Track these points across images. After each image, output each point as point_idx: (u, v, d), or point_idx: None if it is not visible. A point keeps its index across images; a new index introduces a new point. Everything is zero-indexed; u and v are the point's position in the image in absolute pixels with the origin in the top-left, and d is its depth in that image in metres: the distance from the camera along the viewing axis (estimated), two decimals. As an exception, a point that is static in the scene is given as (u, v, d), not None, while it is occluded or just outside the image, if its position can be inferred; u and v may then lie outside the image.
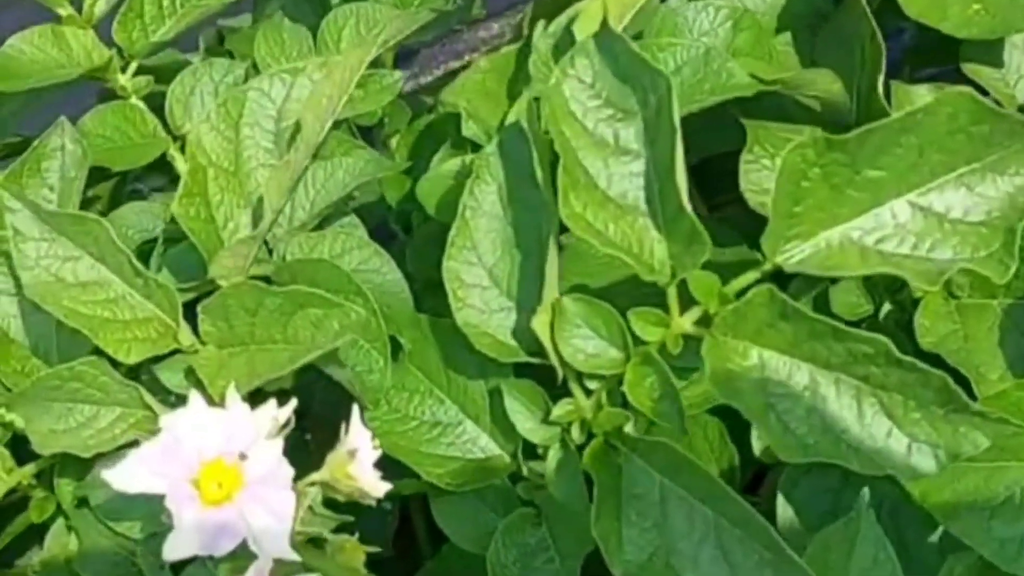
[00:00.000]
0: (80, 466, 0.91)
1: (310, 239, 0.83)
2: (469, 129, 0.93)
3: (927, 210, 0.73)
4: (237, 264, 0.77)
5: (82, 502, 0.88)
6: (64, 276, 0.77)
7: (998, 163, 0.72)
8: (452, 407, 0.84)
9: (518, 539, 0.82)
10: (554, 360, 0.77)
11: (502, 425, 0.83)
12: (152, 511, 0.80)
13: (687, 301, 0.75)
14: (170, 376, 0.79)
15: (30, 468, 0.92)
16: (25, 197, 0.77)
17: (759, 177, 0.90)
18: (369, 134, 1.06)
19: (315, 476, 0.69)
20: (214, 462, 0.65)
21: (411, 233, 1.03)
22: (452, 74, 1.31)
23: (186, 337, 0.77)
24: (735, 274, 0.75)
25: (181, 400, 0.78)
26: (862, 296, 0.90)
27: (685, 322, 0.75)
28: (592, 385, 0.79)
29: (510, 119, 0.90)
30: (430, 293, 0.90)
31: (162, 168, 1.06)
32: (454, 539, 0.86)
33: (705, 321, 0.75)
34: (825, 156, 0.71)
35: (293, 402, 0.69)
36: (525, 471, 0.83)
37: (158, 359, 0.79)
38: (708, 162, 0.96)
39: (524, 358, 0.79)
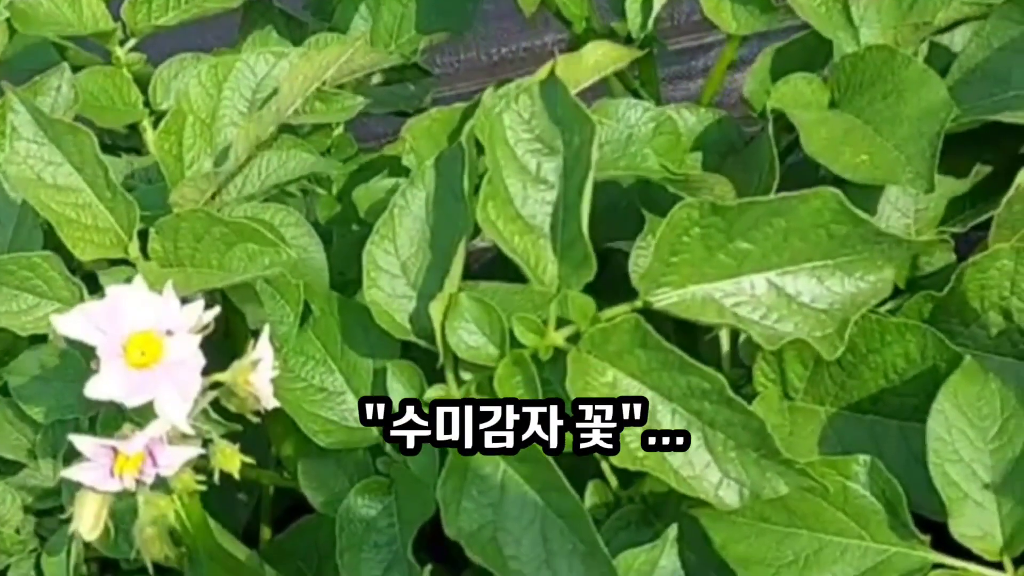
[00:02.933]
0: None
1: (254, 207, 0.95)
2: (408, 160, 1.05)
3: (780, 289, 0.86)
4: (194, 197, 0.88)
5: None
6: (45, 177, 0.89)
7: (848, 264, 0.85)
8: (340, 378, 0.95)
9: (368, 501, 0.93)
10: (439, 344, 0.88)
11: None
12: (59, 402, 0.91)
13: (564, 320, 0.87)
14: (110, 281, 0.89)
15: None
16: (30, 102, 0.88)
17: (646, 262, 1.03)
18: (315, 159, 1.18)
19: (219, 375, 0.80)
20: (143, 333, 0.76)
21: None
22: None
23: (134, 251, 0.89)
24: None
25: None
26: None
27: (559, 336, 0.87)
28: (465, 376, 0.90)
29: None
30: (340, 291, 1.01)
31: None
32: (312, 499, 0.97)
33: (575, 339, 0.87)
34: (707, 219, 0.84)
35: (217, 309, 0.80)
36: (387, 447, 0.94)
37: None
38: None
39: (412, 339, 0.91)
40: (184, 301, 0.80)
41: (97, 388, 0.74)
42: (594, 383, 0.86)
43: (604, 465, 0.94)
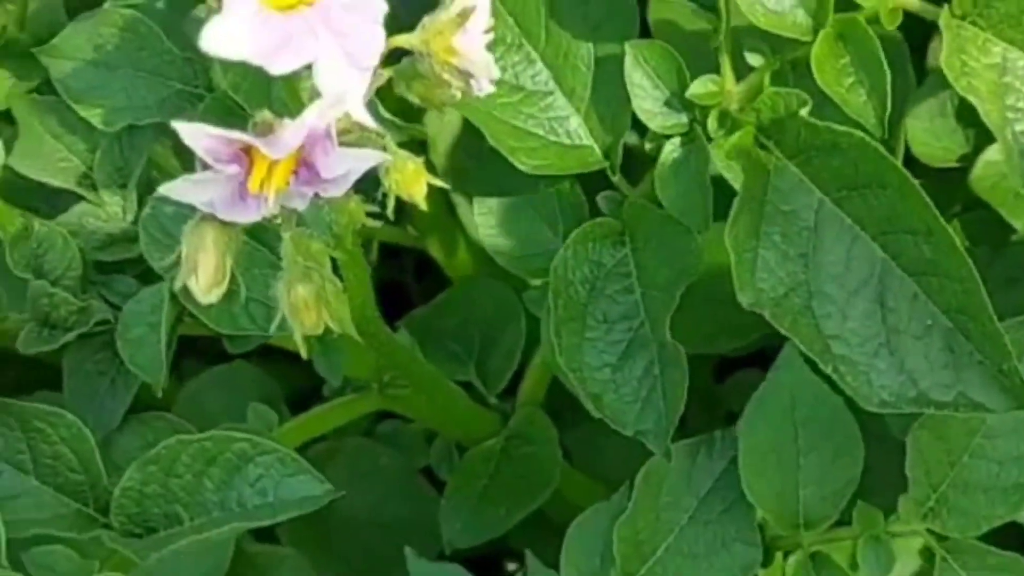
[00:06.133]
0: (20, 60, 0.71)
1: None
2: None
3: None
4: None
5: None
6: None
7: None
8: (543, 71, 0.64)
9: (592, 255, 0.63)
10: (721, 6, 0.58)
11: (604, 108, 0.64)
12: (130, 100, 0.61)
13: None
14: None
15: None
16: None
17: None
18: None
19: (405, 38, 0.49)
20: (289, -49, 0.45)
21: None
22: None
23: None
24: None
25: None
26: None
27: (916, -7, 0.56)
28: (753, 61, 0.59)
29: None
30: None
31: None
32: (498, 256, 0.68)
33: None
34: None
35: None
36: (615, 178, 0.64)
37: None
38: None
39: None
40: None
41: (220, 38, 0.43)
42: (974, 65, 0.54)
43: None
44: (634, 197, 0.63)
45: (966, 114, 0.67)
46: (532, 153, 0.63)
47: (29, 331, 0.64)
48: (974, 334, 0.55)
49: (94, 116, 0.63)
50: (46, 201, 0.69)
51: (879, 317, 0.56)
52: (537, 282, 0.68)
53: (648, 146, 0.62)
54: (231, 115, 0.60)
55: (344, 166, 0.46)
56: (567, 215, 0.66)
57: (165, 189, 0.46)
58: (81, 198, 0.67)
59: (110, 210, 0.66)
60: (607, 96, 0.63)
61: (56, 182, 0.66)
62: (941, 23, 0.55)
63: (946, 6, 0.56)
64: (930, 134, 0.69)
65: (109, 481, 0.60)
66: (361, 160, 0.47)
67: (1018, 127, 0.55)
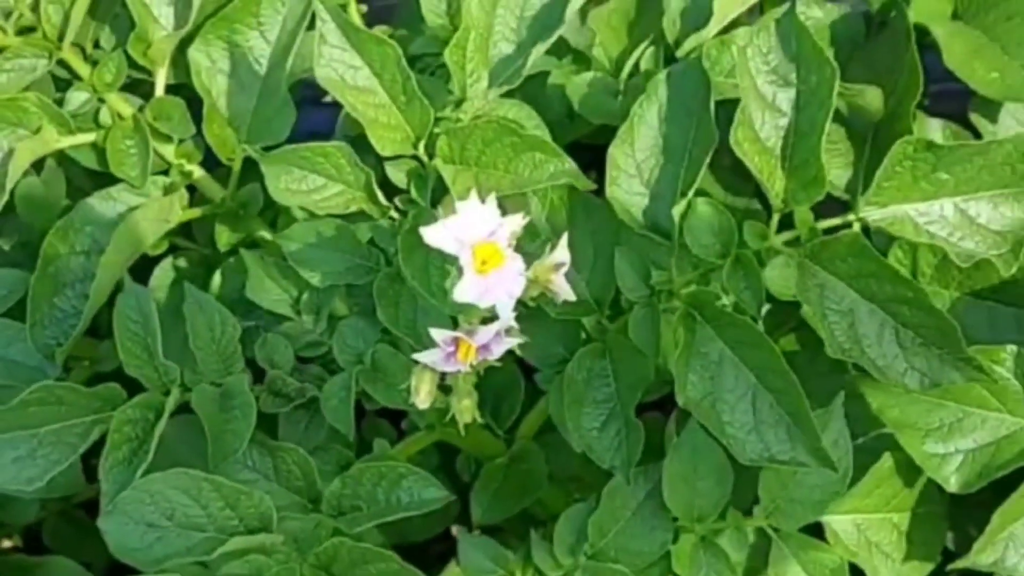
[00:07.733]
0: (233, 219, 1.15)
1: (493, 104, 1.08)
2: (598, 52, 1.19)
3: (964, 212, 1.02)
4: (480, 107, 1.02)
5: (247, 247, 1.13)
6: (346, 78, 1.01)
7: (1020, 194, 1.02)
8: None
9: (587, 364, 1.09)
10: (674, 241, 1.04)
11: (600, 282, 1.10)
12: (333, 268, 1.05)
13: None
14: (395, 173, 1.03)
15: (197, 211, 1.15)
16: (336, 11, 1.00)
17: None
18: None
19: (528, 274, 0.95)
20: (488, 244, 0.90)
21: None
22: None
23: (422, 149, 1.02)
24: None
25: (396, 191, 1.04)
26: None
27: (779, 240, 1.03)
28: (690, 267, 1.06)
29: (637, 58, 1.18)
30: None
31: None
32: (533, 359, 1.13)
33: (793, 244, 1.03)
34: (920, 154, 1.00)
35: (528, 219, 0.94)
36: (604, 320, 1.10)
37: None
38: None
39: (646, 232, 1.06)
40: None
41: (463, 293, 0.89)
42: (810, 283, 1.02)
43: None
44: (612, 331, 1.10)
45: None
46: (559, 308, 1.10)
47: (265, 399, 1.07)
48: (802, 426, 1.01)
49: (312, 277, 1.05)
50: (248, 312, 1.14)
51: (752, 414, 1.02)
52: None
53: (624, 305, 1.10)
54: (394, 282, 1.06)
55: (506, 347, 0.93)
56: (569, 335, 1.13)
57: (419, 356, 0.92)
58: (287, 318, 1.11)
59: (307, 327, 1.10)
60: (602, 275, 1.10)
61: (274, 308, 1.10)
62: (795, 263, 1.03)
63: (793, 250, 1.03)
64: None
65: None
66: (512, 342, 0.93)
67: (830, 318, 1.03)
